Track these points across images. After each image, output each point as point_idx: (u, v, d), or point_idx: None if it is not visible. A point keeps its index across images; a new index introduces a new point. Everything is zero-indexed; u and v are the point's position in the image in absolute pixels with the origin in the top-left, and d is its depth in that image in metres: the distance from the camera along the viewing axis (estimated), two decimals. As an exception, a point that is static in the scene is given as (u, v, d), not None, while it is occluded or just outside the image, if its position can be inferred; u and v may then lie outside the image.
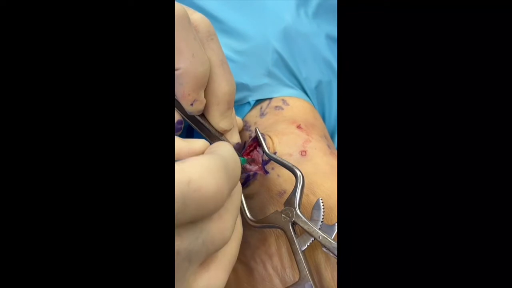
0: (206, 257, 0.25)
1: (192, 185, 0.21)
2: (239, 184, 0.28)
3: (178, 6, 0.29)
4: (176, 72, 0.30)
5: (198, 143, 0.27)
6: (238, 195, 0.27)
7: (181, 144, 0.27)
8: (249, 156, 0.36)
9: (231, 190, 0.25)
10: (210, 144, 0.29)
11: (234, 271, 0.32)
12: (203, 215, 0.23)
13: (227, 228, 0.25)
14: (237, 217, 0.27)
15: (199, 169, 0.22)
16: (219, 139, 0.34)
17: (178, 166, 0.22)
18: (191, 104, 0.31)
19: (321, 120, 0.40)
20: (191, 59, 0.30)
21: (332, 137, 0.43)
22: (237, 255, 0.27)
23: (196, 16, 0.32)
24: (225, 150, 0.26)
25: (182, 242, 0.22)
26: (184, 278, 0.24)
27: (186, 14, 0.30)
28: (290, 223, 0.29)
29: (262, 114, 0.39)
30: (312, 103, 0.42)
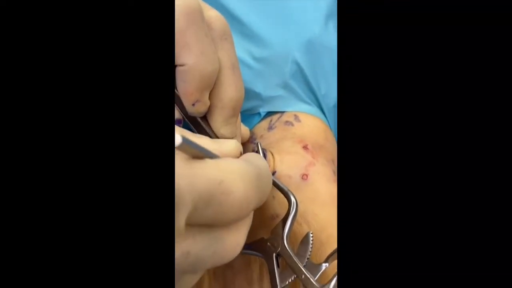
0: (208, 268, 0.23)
1: (223, 186, 0.20)
2: None
3: (191, 0, 0.27)
4: (181, 68, 0.28)
5: (229, 145, 0.26)
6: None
7: (210, 145, 0.25)
8: (248, 171, 0.33)
9: (258, 204, 0.24)
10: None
11: (212, 291, 0.30)
12: (221, 222, 0.21)
13: (240, 243, 0.23)
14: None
15: (234, 172, 0.21)
16: None
17: (214, 162, 0.20)
18: (193, 104, 0.29)
19: (333, 142, 0.38)
20: (199, 56, 0.27)
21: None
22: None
23: (212, 13, 0.30)
24: (261, 162, 0.25)
25: (195, 245, 0.20)
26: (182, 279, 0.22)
27: (199, 8, 0.28)
28: (274, 255, 0.26)
29: (270, 128, 0.37)
30: (328, 122, 0.39)
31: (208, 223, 0.20)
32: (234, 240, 0.23)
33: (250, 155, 0.26)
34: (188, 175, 0.19)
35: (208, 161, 0.20)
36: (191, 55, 0.27)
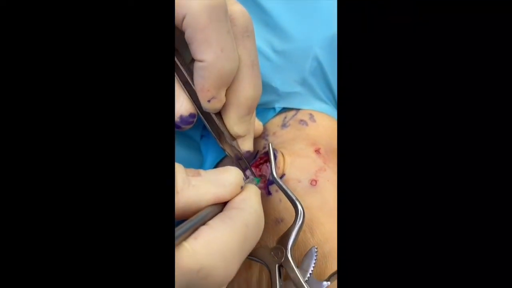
0: None
1: (201, 273, 0.20)
2: None
3: None
4: (199, 64, 0.27)
5: (228, 183, 0.25)
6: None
7: (207, 189, 0.24)
8: (257, 169, 0.33)
9: (242, 261, 0.24)
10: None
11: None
12: None
13: None
14: None
15: (213, 254, 0.21)
16: (229, 143, 0.31)
17: (189, 246, 0.20)
18: (208, 101, 0.29)
19: (346, 145, 0.37)
20: (219, 53, 0.27)
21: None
22: None
23: (236, 8, 0.29)
24: (251, 207, 0.25)
25: None
26: None
27: (224, 4, 0.27)
28: (277, 265, 0.26)
29: (284, 125, 0.36)
30: (343, 123, 0.38)
31: None
32: None
33: (243, 200, 0.25)
34: None
35: (185, 249, 0.20)
36: (210, 52, 0.26)
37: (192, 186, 0.24)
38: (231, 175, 0.26)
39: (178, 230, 0.21)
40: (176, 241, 0.20)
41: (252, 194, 0.26)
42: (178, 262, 0.20)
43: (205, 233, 0.22)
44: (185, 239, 0.21)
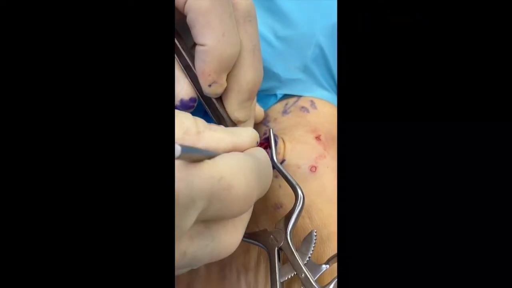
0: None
1: (223, 182, 0.20)
2: None
3: None
4: (201, 48, 0.27)
5: (245, 136, 0.26)
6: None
7: (225, 138, 0.25)
8: (258, 155, 0.33)
9: (260, 195, 0.24)
10: None
11: (208, 270, 0.31)
12: (225, 217, 0.22)
13: (237, 241, 0.24)
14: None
15: (233, 167, 0.21)
16: None
17: (212, 161, 0.21)
18: (209, 85, 0.28)
19: (347, 133, 0.37)
20: (220, 37, 0.27)
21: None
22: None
23: None
24: (261, 154, 0.26)
25: (192, 245, 0.21)
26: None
27: None
28: (276, 248, 0.26)
29: (285, 112, 0.36)
30: (344, 110, 0.38)
31: (213, 218, 0.21)
32: (231, 238, 0.23)
33: (250, 149, 0.26)
34: (186, 178, 0.19)
35: (206, 161, 0.20)
36: (212, 36, 0.26)
37: (213, 131, 0.24)
38: (248, 129, 0.27)
39: (197, 151, 0.20)
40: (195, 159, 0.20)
41: (260, 148, 0.27)
42: (199, 172, 0.19)
43: (224, 155, 0.22)
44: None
